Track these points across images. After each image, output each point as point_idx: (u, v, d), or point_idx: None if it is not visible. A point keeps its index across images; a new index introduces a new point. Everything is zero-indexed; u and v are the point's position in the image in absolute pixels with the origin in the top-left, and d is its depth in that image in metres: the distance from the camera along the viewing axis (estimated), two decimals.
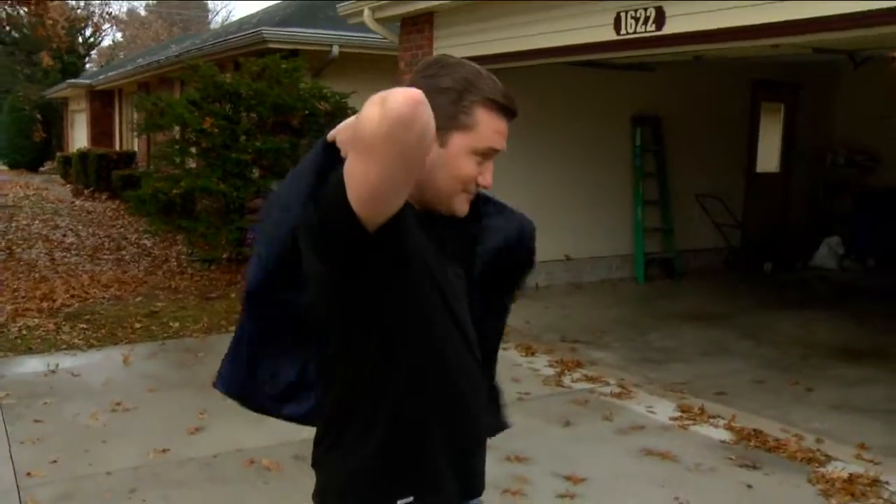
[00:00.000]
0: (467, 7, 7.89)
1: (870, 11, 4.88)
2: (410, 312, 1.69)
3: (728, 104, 11.30)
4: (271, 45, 11.29)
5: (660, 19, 6.01)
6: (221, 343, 7.49)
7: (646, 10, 6.08)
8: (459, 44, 8.14)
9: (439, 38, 8.43)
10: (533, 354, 7.07)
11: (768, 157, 12.28)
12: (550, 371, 6.64)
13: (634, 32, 6.17)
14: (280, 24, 12.38)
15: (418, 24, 8.63)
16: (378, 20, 8.93)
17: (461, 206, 1.80)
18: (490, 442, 1.97)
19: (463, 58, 1.82)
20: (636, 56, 7.29)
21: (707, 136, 10.93)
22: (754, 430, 5.41)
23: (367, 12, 8.87)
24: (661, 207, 10.56)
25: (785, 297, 9.77)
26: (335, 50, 11.34)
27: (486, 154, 1.76)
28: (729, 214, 11.25)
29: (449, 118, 1.72)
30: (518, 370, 6.57)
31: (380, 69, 10.54)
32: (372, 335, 1.69)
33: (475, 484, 1.92)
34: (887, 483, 4.55)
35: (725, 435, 5.33)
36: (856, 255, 11.67)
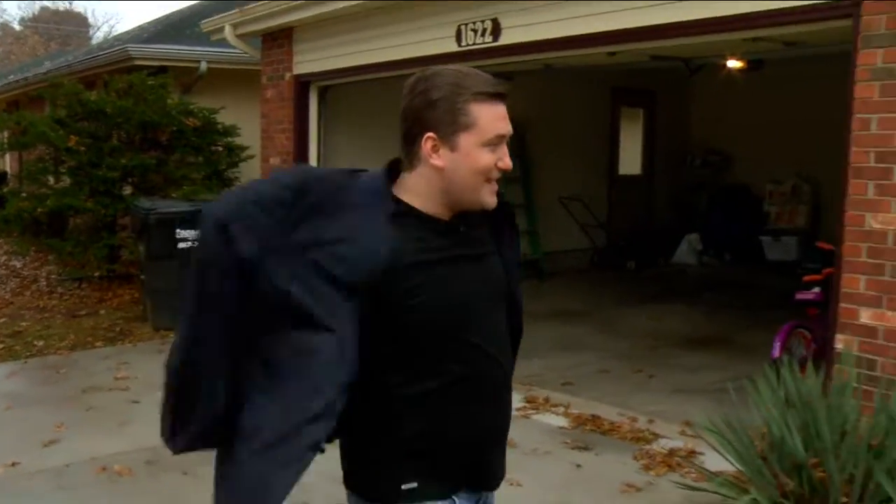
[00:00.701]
0: (323, 23, 8.12)
1: (697, 21, 5.30)
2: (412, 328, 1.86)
3: (590, 111, 11.81)
4: (139, 62, 11.26)
5: (496, 31, 6.38)
6: (86, 359, 7.55)
7: (483, 22, 6.43)
8: (318, 58, 8.38)
9: (298, 52, 8.64)
10: None
11: (631, 160, 12.86)
12: None
13: (474, 44, 6.52)
14: (148, 40, 12.36)
15: (278, 40, 8.82)
16: (239, 36, 9.08)
17: (489, 199, 1.93)
18: None
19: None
20: (487, 66, 7.63)
21: (570, 142, 11.39)
22: (592, 415, 5.77)
23: (228, 29, 9.01)
24: (526, 211, 10.96)
25: (644, 293, 10.27)
26: (203, 66, 11.39)
27: (495, 143, 1.88)
28: (592, 216, 11.74)
29: (450, 124, 1.84)
30: None
31: (248, 84, 10.67)
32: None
33: (487, 477, 2.04)
34: (702, 453, 4.94)
35: (564, 421, 5.68)
36: (714, 250, 12.32)
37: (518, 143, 10.97)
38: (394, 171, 1.95)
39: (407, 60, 7.25)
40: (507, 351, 2.04)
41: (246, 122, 10.57)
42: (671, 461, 4.94)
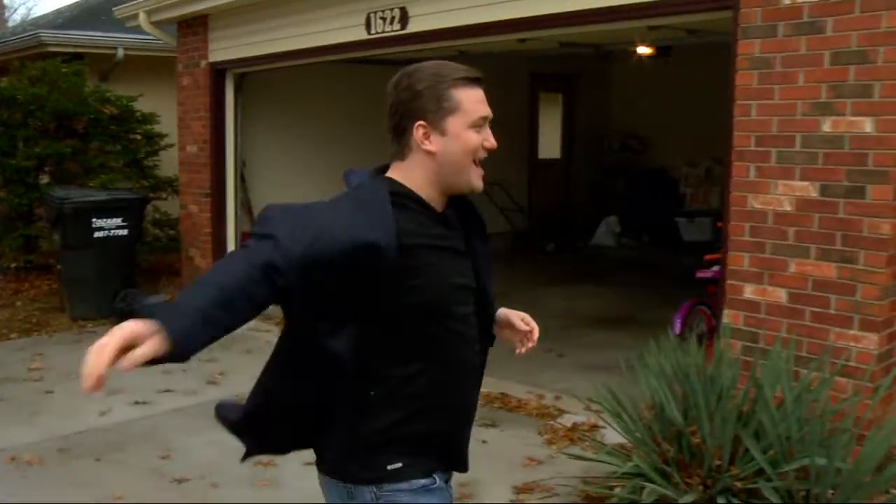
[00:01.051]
0: (237, 10, 8.12)
1: (601, 9, 5.43)
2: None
3: (508, 96, 11.94)
4: (53, 49, 11.08)
5: (404, 19, 6.48)
6: (0, 351, 7.36)
7: (392, 10, 6.53)
8: (233, 45, 8.38)
9: (214, 39, 8.63)
10: None
11: (551, 145, 13.09)
12: None
13: (383, 32, 6.61)
14: (63, 26, 12.11)
15: (193, 27, 8.79)
16: (154, 23, 9.02)
17: (477, 181, 2.04)
18: None
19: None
20: (399, 53, 7.71)
21: (490, 127, 11.51)
22: (501, 393, 5.96)
23: (142, 15, 8.95)
24: None
25: (560, 275, 10.51)
26: (120, 53, 11.26)
27: (480, 124, 2.01)
28: (512, 200, 11.93)
29: (437, 110, 1.98)
30: None
31: (167, 71, 10.54)
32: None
33: (461, 458, 2.16)
34: (604, 427, 5.15)
35: None
36: (632, 232, 12.64)
37: None
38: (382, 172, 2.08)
39: (318, 48, 7.32)
40: (478, 338, 2.15)
41: (165, 110, 10.46)
42: (573, 435, 5.14)
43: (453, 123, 1.98)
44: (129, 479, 4.73)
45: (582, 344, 7.31)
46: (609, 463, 3.94)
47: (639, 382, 4.14)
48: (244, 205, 9.55)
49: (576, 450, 4.85)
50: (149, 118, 10.59)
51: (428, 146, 2.00)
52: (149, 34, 9.59)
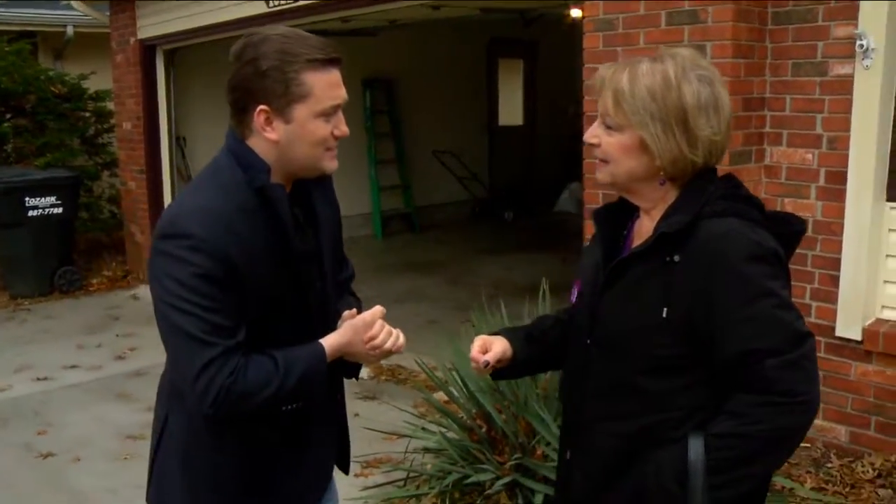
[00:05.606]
0: None
1: None
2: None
3: (465, 63, 11.83)
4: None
5: None
6: None
7: None
8: (159, 21, 8.32)
9: (142, 16, 8.55)
10: None
11: (512, 111, 12.94)
12: None
13: (280, 4, 6.53)
14: (9, 4, 12.00)
15: (121, 4, 8.72)
16: (84, 0, 8.98)
17: (330, 164, 1.89)
18: None
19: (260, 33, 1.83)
20: (327, 23, 7.61)
21: (445, 95, 11.44)
22: (397, 365, 5.92)
23: None
24: (397, 166, 11.04)
25: (511, 243, 10.44)
26: (70, 30, 11.22)
27: (330, 112, 1.82)
28: (467, 169, 11.83)
29: (282, 95, 1.76)
30: None
31: None
32: None
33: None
34: None
35: (365, 373, 5.81)
36: None
37: (388, 99, 11.02)
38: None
39: (227, 23, 7.26)
40: None
41: None
42: (447, 408, 5.09)
43: (300, 111, 1.79)
44: None
45: (501, 314, 7.22)
46: (422, 438, 3.91)
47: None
48: (186, 180, 9.55)
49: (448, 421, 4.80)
50: (102, 96, 10.57)
51: (270, 134, 1.81)
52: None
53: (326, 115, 1.81)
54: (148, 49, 8.66)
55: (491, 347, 1.95)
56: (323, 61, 1.79)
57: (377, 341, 1.96)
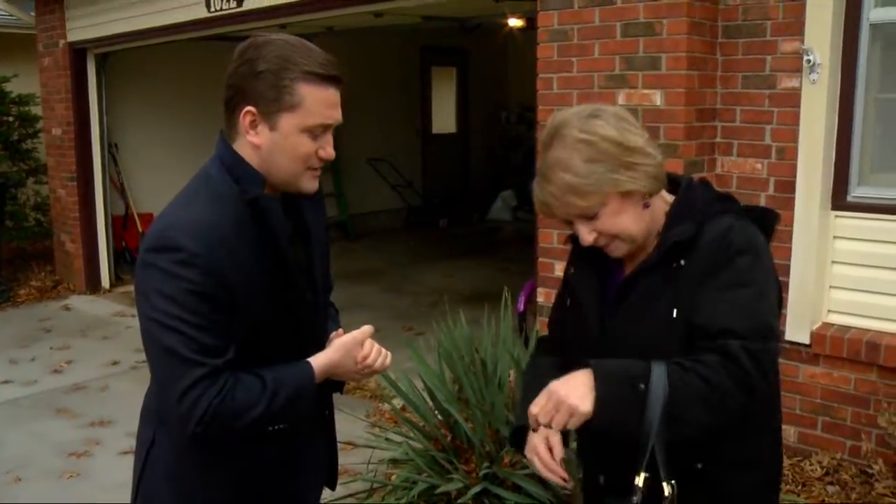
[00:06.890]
0: None
1: None
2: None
3: (399, 70, 11.83)
4: None
5: None
6: None
7: None
8: (91, 24, 8.13)
9: (71, 18, 8.34)
10: None
11: (446, 119, 12.98)
12: None
13: (221, 10, 6.44)
14: None
15: (49, 5, 8.49)
16: (8, 0, 8.71)
17: (309, 185, 1.81)
18: None
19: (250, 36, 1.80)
20: (237, 31, 7.50)
21: (379, 103, 11.39)
22: None
23: None
24: (331, 173, 10.97)
25: (446, 251, 10.45)
26: None
27: (318, 132, 1.75)
28: (401, 176, 11.82)
29: (273, 101, 1.70)
30: None
31: None
32: None
33: None
34: None
35: None
36: (528, 205, 12.55)
37: None
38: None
39: (166, 28, 7.14)
40: None
41: None
42: (397, 418, 5.07)
43: (287, 121, 1.72)
44: None
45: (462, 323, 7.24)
46: (385, 449, 3.90)
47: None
48: (118, 187, 9.33)
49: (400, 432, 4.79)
50: (26, 99, 10.25)
51: (252, 138, 1.76)
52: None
53: (313, 132, 1.75)
54: (78, 52, 8.44)
55: (553, 446, 1.84)
56: (322, 76, 1.73)
57: (369, 360, 1.96)
